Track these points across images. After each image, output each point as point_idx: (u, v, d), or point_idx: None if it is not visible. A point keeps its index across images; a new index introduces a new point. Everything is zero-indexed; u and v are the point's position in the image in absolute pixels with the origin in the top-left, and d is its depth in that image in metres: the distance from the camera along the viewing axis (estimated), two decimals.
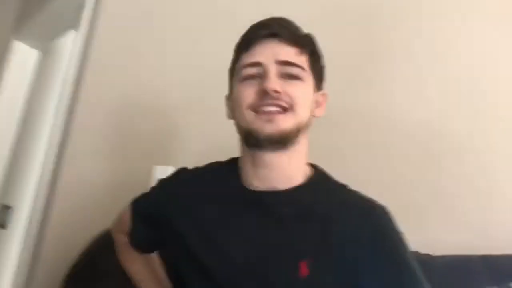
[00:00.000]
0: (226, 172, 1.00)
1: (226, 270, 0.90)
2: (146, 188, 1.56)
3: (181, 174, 1.08)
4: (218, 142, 1.53)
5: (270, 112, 0.87)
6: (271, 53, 0.90)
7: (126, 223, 1.11)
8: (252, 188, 0.93)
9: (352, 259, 0.85)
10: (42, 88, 2.56)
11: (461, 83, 1.46)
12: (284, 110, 0.88)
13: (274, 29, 0.92)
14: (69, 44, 2.25)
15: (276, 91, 0.87)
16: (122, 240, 1.16)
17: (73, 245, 1.47)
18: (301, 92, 0.91)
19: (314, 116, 0.96)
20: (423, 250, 1.28)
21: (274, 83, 0.87)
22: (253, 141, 0.89)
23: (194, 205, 0.98)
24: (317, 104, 0.97)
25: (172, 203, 1.01)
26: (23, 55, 2.60)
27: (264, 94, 0.87)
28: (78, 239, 1.48)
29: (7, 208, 2.35)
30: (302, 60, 0.92)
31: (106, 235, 1.37)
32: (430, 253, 1.27)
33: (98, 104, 1.73)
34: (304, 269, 0.83)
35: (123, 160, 1.65)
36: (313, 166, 0.99)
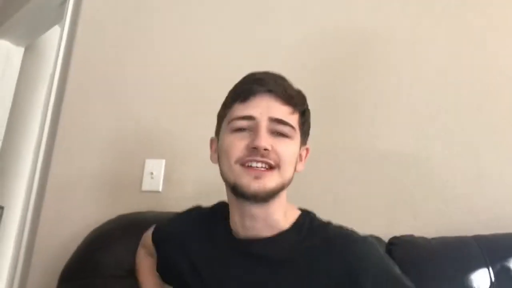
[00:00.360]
0: (222, 217, 1.03)
1: None
2: (138, 181, 1.58)
3: (190, 214, 1.12)
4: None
5: (257, 169, 0.90)
6: (265, 108, 0.92)
7: (150, 245, 1.15)
8: (239, 236, 0.97)
9: None
10: (28, 85, 2.53)
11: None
12: (271, 167, 0.90)
13: (270, 86, 0.93)
14: (54, 40, 2.22)
15: (266, 149, 0.89)
16: (142, 257, 1.20)
17: (66, 242, 1.46)
18: (289, 151, 0.93)
19: (295, 171, 0.98)
20: (417, 233, 1.29)
21: (264, 140, 0.89)
22: (240, 194, 0.91)
23: (193, 248, 1.03)
24: (300, 158, 1.00)
25: (177, 242, 1.06)
26: (8, 53, 2.57)
27: (254, 150, 0.89)
28: (71, 235, 1.48)
29: None
30: (293, 119, 0.95)
31: (100, 232, 1.37)
32: (425, 235, 1.28)
33: (85, 99, 1.72)
34: None
35: (115, 154, 1.63)
36: (301, 210, 1.02)
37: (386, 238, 1.25)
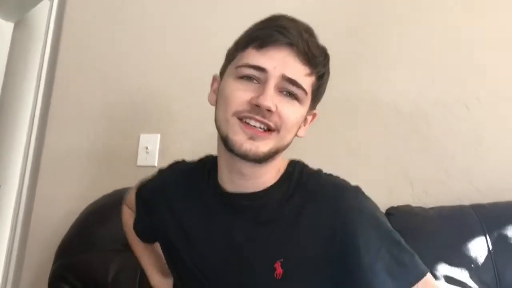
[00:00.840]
0: (209, 169, 0.97)
1: (203, 270, 0.91)
2: (133, 156, 1.57)
3: (176, 168, 1.06)
4: (204, 112, 1.50)
5: (254, 128, 0.81)
6: (280, 63, 0.81)
7: (133, 202, 1.11)
8: (227, 189, 0.91)
9: (326, 250, 0.82)
10: (20, 61, 2.49)
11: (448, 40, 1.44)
12: (269, 129, 0.82)
13: (293, 39, 0.82)
14: (44, 14, 2.17)
15: (269, 110, 0.80)
16: (128, 216, 1.15)
17: (62, 217, 1.46)
18: (294, 115, 0.84)
19: (296, 135, 0.89)
20: (414, 204, 1.30)
21: (270, 100, 0.79)
22: (230, 149, 0.83)
23: (178, 203, 0.97)
24: (304, 122, 0.91)
25: (163, 197, 1.00)
26: None
27: (255, 108, 0.80)
28: (67, 211, 1.48)
29: None
30: (308, 81, 0.84)
31: (96, 207, 1.37)
32: (422, 205, 1.28)
33: (77, 73, 1.69)
34: (279, 270, 0.83)
35: (109, 130, 1.62)
36: (290, 160, 0.95)
37: (383, 208, 1.25)
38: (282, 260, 0.83)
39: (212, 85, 0.94)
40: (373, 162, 1.40)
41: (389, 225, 0.85)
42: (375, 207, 0.87)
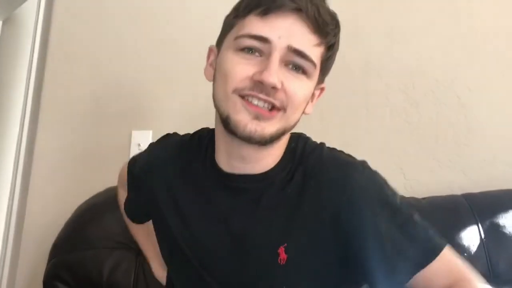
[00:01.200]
0: (206, 146, 0.90)
1: (199, 254, 0.86)
2: (125, 153, 1.56)
3: (168, 142, 0.99)
4: (196, 107, 1.49)
5: (258, 107, 0.74)
6: (286, 33, 0.73)
7: (125, 180, 1.05)
8: (225, 170, 0.84)
9: (331, 231, 0.77)
10: (9, 58, 2.47)
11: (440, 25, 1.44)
12: (275, 108, 0.75)
13: (301, 3, 0.73)
14: (32, 11, 2.15)
15: (274, 87, 0.72)
16: (123, 197, 1.10)
17: (56, 216, 1.45)
18: (302, 92, 0.76)
19: (304, 113, 0.83)
20: (407, 193, 1.29)
21: (274, 75, 0.71)
22: (231, 131, 0.76)
23: (173, 181, 0.90)
24: (312, 98, 0.83)
25: (156, 173, 0.93)
26: None
27: (258, 84, 0.72)
28: (60, 209, 1.47)
29: None
30: (317, 52, 0.76)
31: (90, 205, 1.36)
32: (415, 195, 1.28)
33: (67, 71, 1.68)
34: (282, 255, 0.77)
35: (101, 127, 1.60)
36: (292, 133, 0.88)
37: None
38: (286, 244, 0.77)
39: (208, 57, 0.87)
40: (365, 152, 1.38)
41: (398, 200, 0.79)
42: (383, 181, 0.80)
